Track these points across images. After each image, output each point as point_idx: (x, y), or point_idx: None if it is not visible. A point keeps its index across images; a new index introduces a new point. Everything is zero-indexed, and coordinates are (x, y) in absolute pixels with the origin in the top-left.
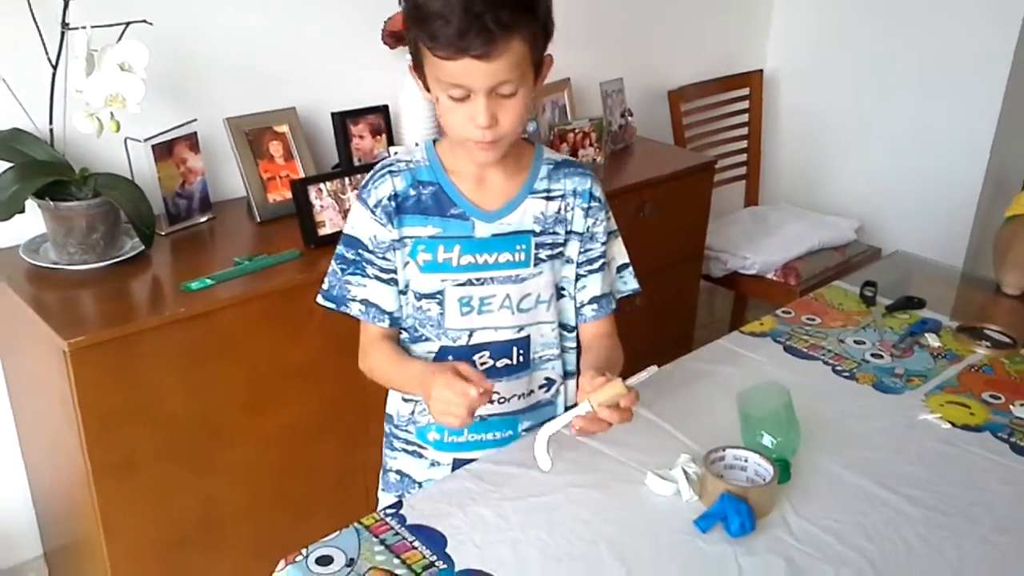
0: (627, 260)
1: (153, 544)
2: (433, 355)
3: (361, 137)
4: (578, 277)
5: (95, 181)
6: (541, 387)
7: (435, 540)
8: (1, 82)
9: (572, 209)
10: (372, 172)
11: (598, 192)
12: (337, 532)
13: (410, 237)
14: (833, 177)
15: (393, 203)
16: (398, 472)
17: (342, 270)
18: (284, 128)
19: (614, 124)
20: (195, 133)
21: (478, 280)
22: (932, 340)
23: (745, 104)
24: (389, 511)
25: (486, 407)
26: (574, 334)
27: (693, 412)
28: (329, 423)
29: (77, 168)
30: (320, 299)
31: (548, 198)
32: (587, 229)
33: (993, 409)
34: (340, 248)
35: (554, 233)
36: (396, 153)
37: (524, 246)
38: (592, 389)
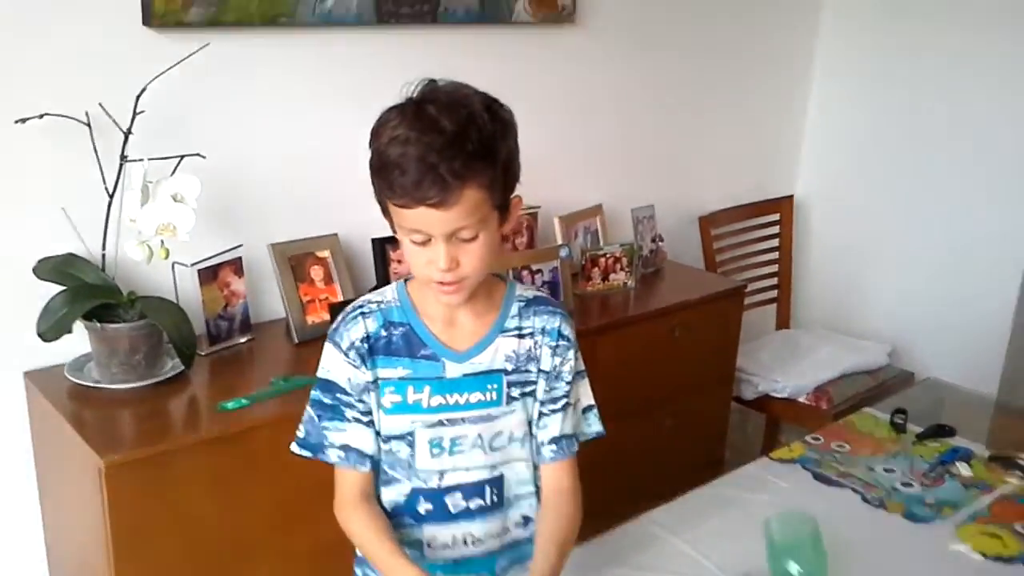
0: (592, 402)
1: None
2: (404, 497)
3: (400, 262)
4: (540, 415)
5: (141, 304)
6: (518, 525)
7: None
8: (61, 211)
9: (541, 347)
10: (344, 314)
11: (567, 331)
12: None
13: (382, 378)
14: (865, 301)
15: (366, 345)
16: None
17: (318, 416)
18: (326, 253)
19: (645, 249)
20: (240, 258)
21: (449, 421)
22: (963, 469)
23: (776, 229)
24: None
25: (461, 549)
26: None
27: (721, 539)
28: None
29: (125, 291)
30: (295, 447)
31: (519, 336)
32: (553, 367)
33: None
34: (316, 393)
35: (526, 371)
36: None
37: (496, 385)
38: None
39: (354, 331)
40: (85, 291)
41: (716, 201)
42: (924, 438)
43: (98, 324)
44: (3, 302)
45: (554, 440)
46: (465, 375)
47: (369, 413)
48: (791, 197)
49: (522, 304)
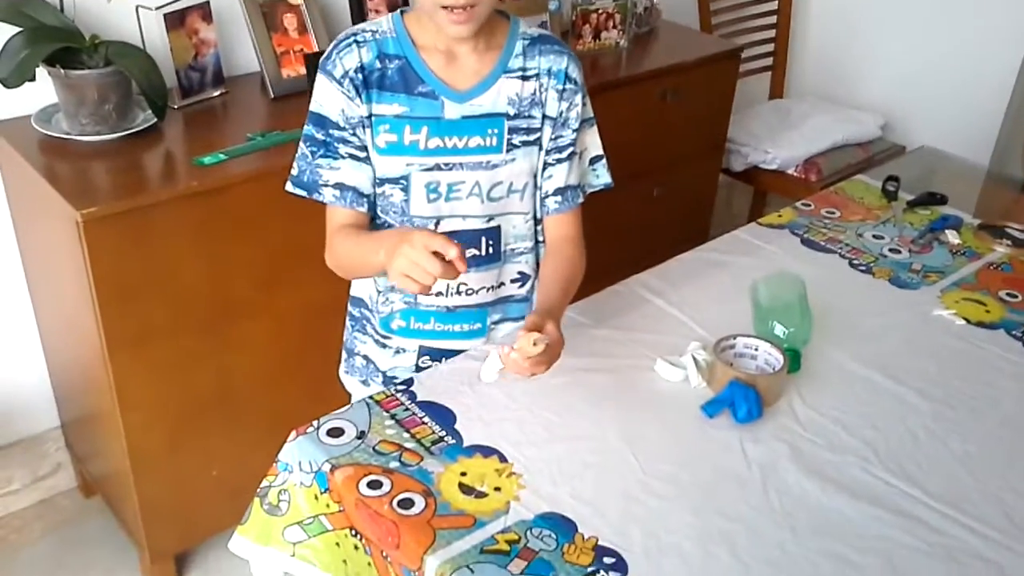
0: (601, 152)
1: (168, 416)
2: None
3: (377, 11)
4: (545, 165)
5: (106, 49)
6: (514, 281)
7: (444, 416)
8: None
9: (546, 90)
10: (335, 42)
11: (575, 73)
12: (349, 406)
13: (376, 115)
14: (861, 71)
15: (360, 75)
16: (365, 357)
17: (312, 153)
18: (299, 0)
19: (639, 6)
20: (208, 3)
21: (446, 165)
22: (952, 237)
23: None
24: (400, 387)
25: (454, 297)
26: None
27: (706, 301)
28: (343, 302)
29: (88, 35)
30: (289, 186)
31: (524, 78)
32: (560, 114)
33: (1009, 307)
34: (308, 128)
35: (529, 117)
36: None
37: (496, 130)
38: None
39: (348, 59)
40: (44, 33)
41: None
42: (915, 205)
43: (62, 70)
44: None
45: (559, 191)
46: (464, 117)
47: (365, 149)
48: None
49: (527, 42)
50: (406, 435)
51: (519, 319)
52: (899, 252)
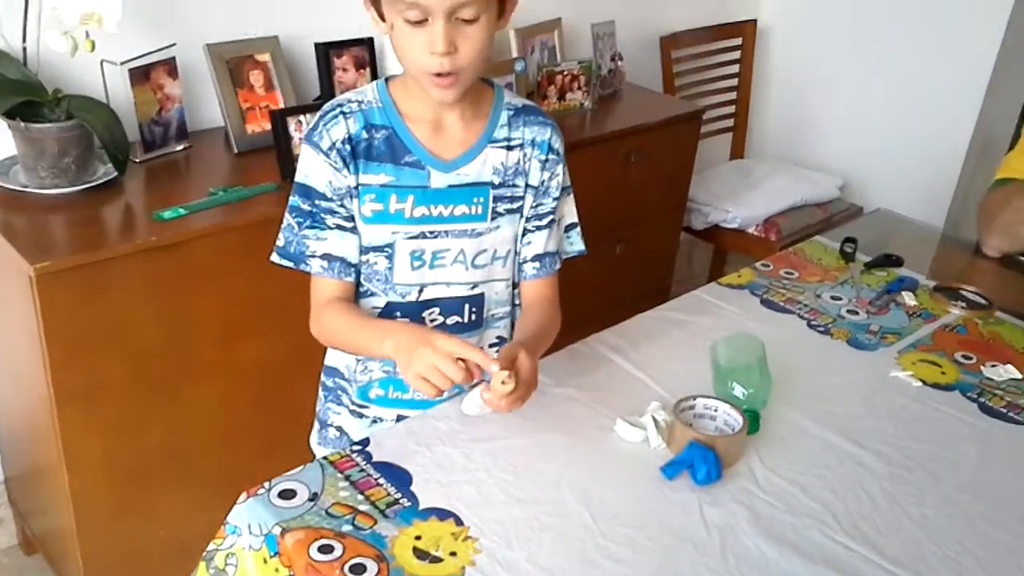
0: (576, 220)
1: (116, 475)
2: (379, 311)
3: (344, 70)
4: (524, 232)
5: (68, 103)
6: (492, 346)
7: (400, 478)
8: None
9: (530, 160)
10: (321, 113)
11: (557, 144)
12: (301, 467)
13: (363, 184)
14: (820, 133)
15: (348, 146)
16: (338, 429)
17: (298, 224)
18: (266, 57)
19: (604, 68)
20: (174, 58)
21: (431, 233)
22: (908, 299)
23: (737, 55)
24: (356, 447)
25: None
26: None
27: (666, 361)
28: (303, 360)
29: (50, 89)
30: (275, 257)
31: (508, 147)
32: (542, 183)
33: (964, 369)
34: (294, 199)
35: (513, 186)
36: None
37: (482, 199)
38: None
39: (335, 131)
40: (6, 87)
41: (679, 22)
42: (871, 267)
43: (22, 124)
44: None
45: (537, 257)
46: (451, 186)
47: (352, 219)
48: (754, 21)
49: (511, 112)
50: (360, 497)
51: None
52: (856, 313)
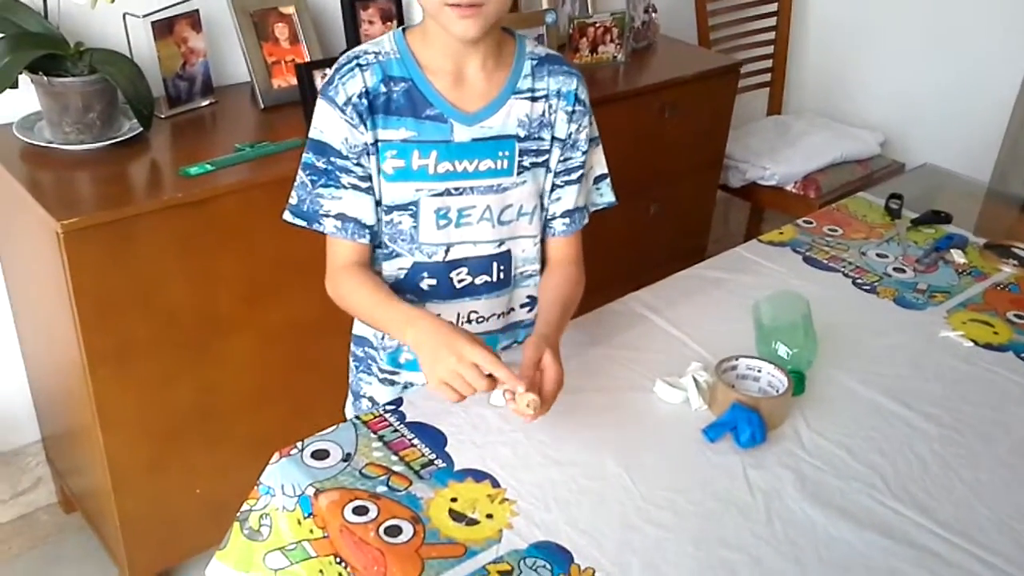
0: (606, 170)
1: (150, 433)
2: (405, 272)
3: (371, 22)
4: (553, 187)
5: (91, 57)
6: (523, 306)
7: (435, 438)
8: None
9: (556, 112)
10: (337, 66)
11: (584, 95)
12: (334, 427)
13: (382, 140)
14: (860, 88)
15: (365, 101)
16: (371, 399)
17: (312, 182)
18: (290, 9)
19: (637, 20)
20: (197, 11)
21: (456, 190)
22: (957, 256)
23: (774, 7)
24: (389, 407)
25: (464, 327)
26: None
27: (707, 320)
28: (332, 319)
29: (72, 43)
30: (288, 215)
31: (533, 99)
32: (569, 135)
33: (1017, 329)
34: (308, 156)
35: (539, 139)
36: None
37: (507, 152)
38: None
39: (351, 84)
40: (28, 39)
41: None
42: (919, 224)
43: (45, 78)
44: None
45: (567, 213)
46: (475, 139)
47: (368, 179)
48: None
49: (535, 62)
50: (394, 458)
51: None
52: (904, 271)
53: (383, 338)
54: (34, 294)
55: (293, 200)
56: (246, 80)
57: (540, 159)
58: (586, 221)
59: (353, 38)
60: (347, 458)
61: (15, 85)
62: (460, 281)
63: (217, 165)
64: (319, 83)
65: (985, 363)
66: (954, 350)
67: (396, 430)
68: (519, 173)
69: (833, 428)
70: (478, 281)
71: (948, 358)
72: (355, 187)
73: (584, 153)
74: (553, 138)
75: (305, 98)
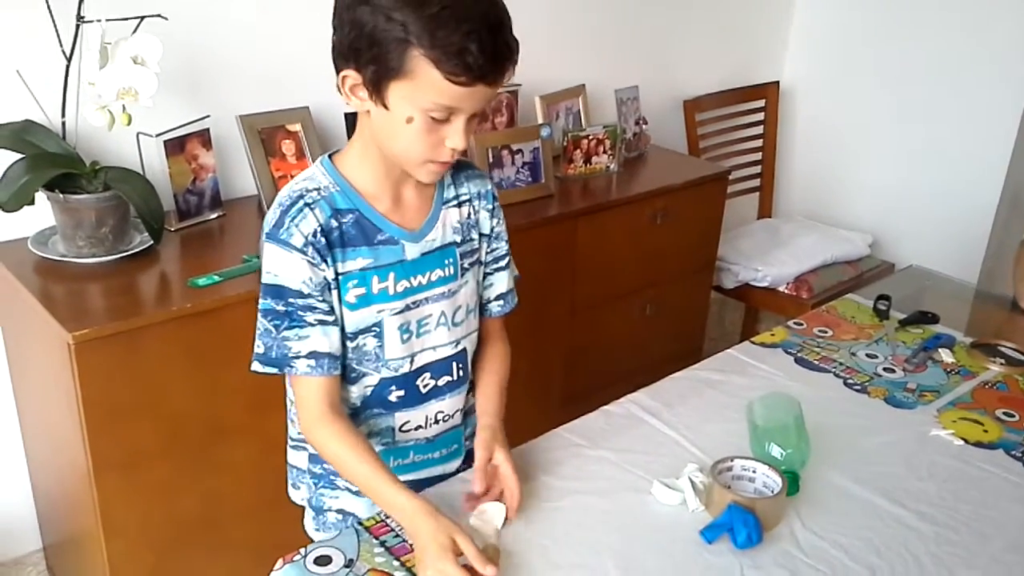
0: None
1: (152, 542)
2: (372, 388)
3: None
4: (484, 276)
5: (105, 175)
6: (471, 394)
7: None
8: (15, 74)
9: (478, 212)
10: (282, 209)
11: (494, 190)
12: (336, 532)
13: (342, 273)
14: (848, 191)
15: (322, 238)
16: (340, 512)
17: (276, 327)
18: (297, 127)
19: (628, 132)
20: (208, 130)
21: (414, 303)
22: (946, 356)
23: (761, 116)
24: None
25: (432, 428)
26: None
27: (701, 421)
28: None
29: (88, 161)
30: (257, 366)
31: (459, 204)
32: (492, 229)
33: (1007, 427)
34: (266, 301)
35: (470, 239)
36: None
37: (451, 259)
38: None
39: (304, 225)
40: (46, 159)
41: (701, 86)
42: (907, 324)
43: (61, 195)
44: None
45: (500, 296)
46: (423, 254)
47: (332, 311)
48: (777, 83)
49: (451, 171)
50: (396, 563)
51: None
52: (893, 371)
53: None
54: (42, 402)
55: (260, 349)
56: (253, 193)
57: (475, 257)
58: (516, 301)
59: None
60: (349, 564)
61: (32, 202)
62: (425, 386)
63: (224, 276)
64: None
65: (976, 461)
66: (945, 448)
67: (397, 535)
68: (462, 274)
69: (829, 528)
70: (441, 383)
71: (940, 456)
72: (322, 322)
73: (506, 242)
74: (480, 235)
75: None
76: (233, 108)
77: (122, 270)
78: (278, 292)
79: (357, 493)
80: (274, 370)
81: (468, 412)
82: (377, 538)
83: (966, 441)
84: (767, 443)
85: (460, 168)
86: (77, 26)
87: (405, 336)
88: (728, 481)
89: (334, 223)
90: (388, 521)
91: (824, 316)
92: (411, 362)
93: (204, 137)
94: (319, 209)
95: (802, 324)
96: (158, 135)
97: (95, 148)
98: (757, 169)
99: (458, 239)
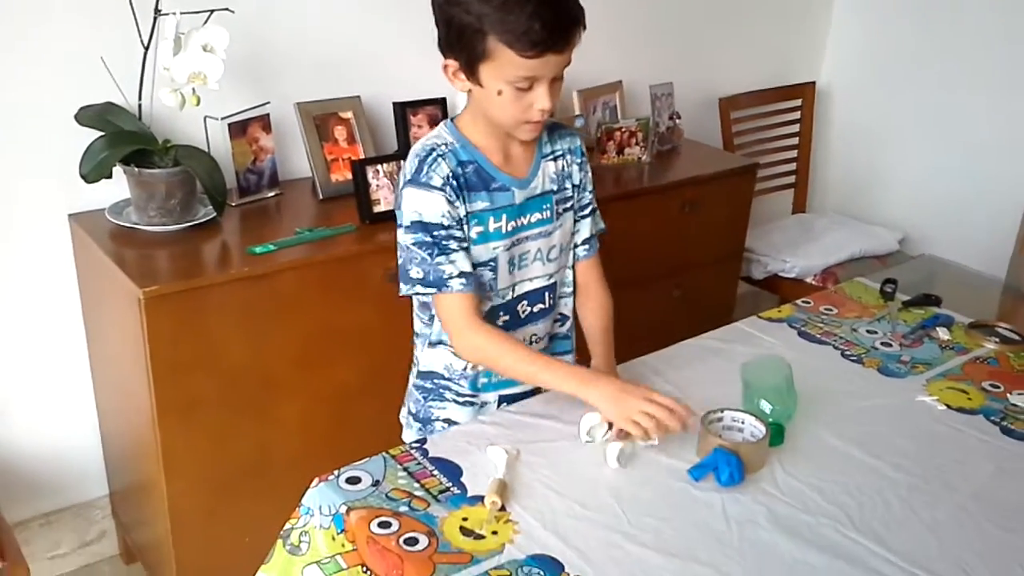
0: (596, 205)
1: (209, 485)
2: (483, 315)
3: (420, 127)
4: (574, 222)
5: (176, 152)
6: (556, 322)
7: (452, 470)
8: (100, 61)
9: (571, 165)
10: (419, 159)
11: (583, 148)
12: (367, 458)
13: (469, 212)
14: (882, 189)
15: (455, 181)
16: (446, 421)
17: (429, 255)
18: (349, 114)
19: (661, 126)
20: (268, 115)
21: (518, 241)
22: (943, 333)
23: (796, 115)
24: (414, 445)
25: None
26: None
27: (703, 383)
28: (374, 384)
29: (160, 140)
30: (418, 288)
31: (555, 158)
32: (581, 181)
33: (990, 396)
34: (416, 236)
35: (564, 188)
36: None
37: (549, 205)
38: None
39: (441, 169)
40: (124, 137)
41: (738, 84)
42: (910, 306)
43: (136, 169)
44: (48, 147)
45: (586, 241)
46: (528, 199)
47: (467, 240)
48: (813, 83)
49: (547, 130)
50: (416, 485)
51: (562, 353)
52: (890, 346)
53: (465, 368)
54: (113, 354)
55: (418, 274)
56: (308, 175)
57: (568, 204)
58: (599, 245)
59: (404, 140)
60: (376, 484)
61: (110, 175)
62: (524, 312)
63: (279, 245)
64: (371, 177)
65: (956, 424)
66: (929, 412)
67: (419, 463)
68: (557, 218)
69: (807, 474)
70: (535, 309)
71: (922, 419)
72: (463, 248)
73: (591, 192)
74: (573, 185)
75: (358, 190)
76: (291, 96)
77: (187, 238)
78: (424, 227)
79: (466, 403)
80: (432, 290)
81: (553, 336)
82: (402, 464)
83: (949, 406)
84: (757, 399)
85: (555, 128)
86: (155, 18)
87: (511, 268)
88: (719, 430)
89: (460, 171)
90: (412, 452)
91: (832, 296)
92: (513, 290)
93: (264, 121)
94: (448, 159)
95: (809, 302)
96: (223, 118)
97: (167, 128)
98: (792, 166)
99: (554, 188)
